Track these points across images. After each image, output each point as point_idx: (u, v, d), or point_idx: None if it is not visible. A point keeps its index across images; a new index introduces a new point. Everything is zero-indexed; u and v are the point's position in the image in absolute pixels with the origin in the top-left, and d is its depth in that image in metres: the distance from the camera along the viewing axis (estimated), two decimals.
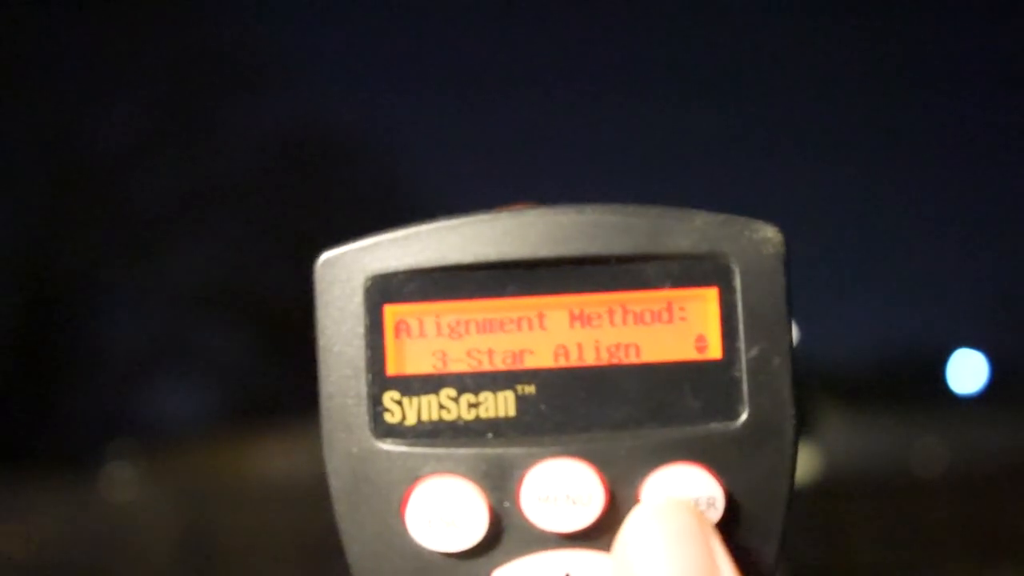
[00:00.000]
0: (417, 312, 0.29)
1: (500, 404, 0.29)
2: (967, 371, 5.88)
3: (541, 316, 0.29)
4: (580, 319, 0.29)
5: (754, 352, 0.29)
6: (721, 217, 0.29)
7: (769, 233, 0.29)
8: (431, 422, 0.29)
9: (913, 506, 3.41)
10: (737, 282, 0.29)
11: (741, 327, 0.29)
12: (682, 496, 0.28)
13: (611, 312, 0.29)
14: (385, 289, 0.29)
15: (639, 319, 0.29)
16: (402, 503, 0.29)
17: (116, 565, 3.47)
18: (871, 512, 3.34)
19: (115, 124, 5.92)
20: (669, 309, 0.29)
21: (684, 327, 0.29)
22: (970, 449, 4.10)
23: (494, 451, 0.29)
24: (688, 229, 0.29)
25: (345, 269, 0.29)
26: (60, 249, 5.63)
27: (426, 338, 0.29)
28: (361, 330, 0.29)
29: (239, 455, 4.78)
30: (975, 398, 5.87)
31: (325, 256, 0.29)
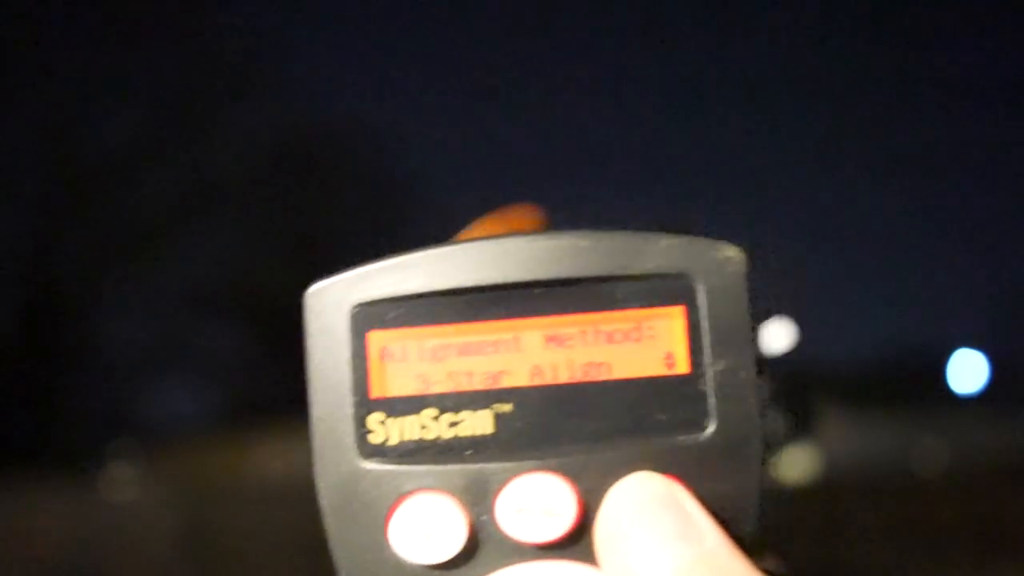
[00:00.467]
0: (399, 337, 0.30)
1: (479, 422, 0.30)
2: (967, 371, 5.88)
3: (517, 338, 0.31)
4: (554, 340, 0.31)
5: (720, 366, 0.30)
6: (685, 239, 0.30)
7: (731, 252, 0.30)
8: (413, 441, 0.30)
9: (913, 506, 3.41)
10: (702, 300, 0.30)
11: (707, 343, 0.30)
12: (649, 472, 0.29)
13: (583, 332, 0.30)
14: (369, 316, 0.30)
15: (610, 338, 0.30)
16: (386, 519, 0.30)
17: (116, 565, 3.47)
18: (871, 512, 3.34)
19: (115, 125, 5.92)
20: (638, 328, 0.30)
21: (653, 344, 0.30)
22: (970, 449, 4.10)
23: (473, 467, 0.30)
24: (654, 251, 0.30)
25: (332, 298, 0.31)
26: (60, 249, 5.63)
27: (408, 362, 0.30)
28: (347, 355, 0.30)
29: (239, 455, 4.78)
30: (975, 398, 5.87)
31: (314, 287, 0.31)
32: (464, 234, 0.46)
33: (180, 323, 6.18)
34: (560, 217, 0.42)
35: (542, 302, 0.30)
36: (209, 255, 6.03)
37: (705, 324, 0.30)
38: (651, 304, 0.30)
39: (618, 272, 0.30)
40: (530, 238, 0.31)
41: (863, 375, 6.11)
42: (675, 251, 0.30)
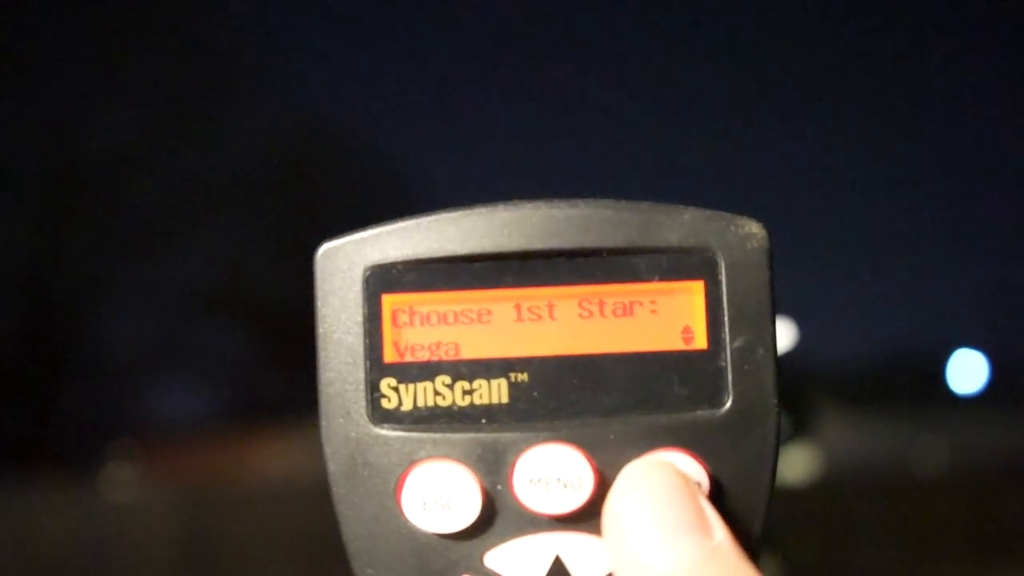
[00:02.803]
0: (414, 301, 0.30)
1: (494, 391, 0.30)
2: (967, 371, 5.87)
3: (534, 306, 0.30)
4: (572, 310, 0.30)
5: (738, 343, 0.30)
6: (707, 213, 0.30)
7: (754, 228, 0.31)
8: (427, 408, 0.30)
9: (913, 506, 3.41)
10: (722, 275, 0.30)
11: (726, 319, 0.30)
12: (663, 457, 0.29)
13: (602, 303, 0.30)
14: (383, 279, 0.30)
15: (628, 310, 0.30)
16: (398, 486, 0.29)
17: (116, 565, 3.46)
18: (871, 512, 3.34)
19: (114, 125, 5.92)
20: (657, 301, 0.30)
21: (671, 318, 0.30)
22: (970, 449, 4.10)
23: (488, 436, 0.29)
24: (676, 224, 0.30)
25: (345, 259, 0.30)
26: (60, 249, 5.63)
27: (423, 327, 0.30)
28: (360, 318, 0.30)
29: (239, 455, 4.77)
30: (975, 398, 5.87)
31: (325, 246, 0.31)
32: None
33: (180, 323, 6.18)
34: None
35: (561, 271, 0.30)
36: (209, 255, 6.03)
37: (725, 300, 0.30)
38: (671, 278, 0.30)
39: (639, 244, 0.30)
40: (551, 205, 0.30)
41: (863, 375, 6.10)
42: (697, 224, 0.30)
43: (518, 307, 0.30)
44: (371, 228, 0.31)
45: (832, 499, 3.08)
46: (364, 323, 0.30)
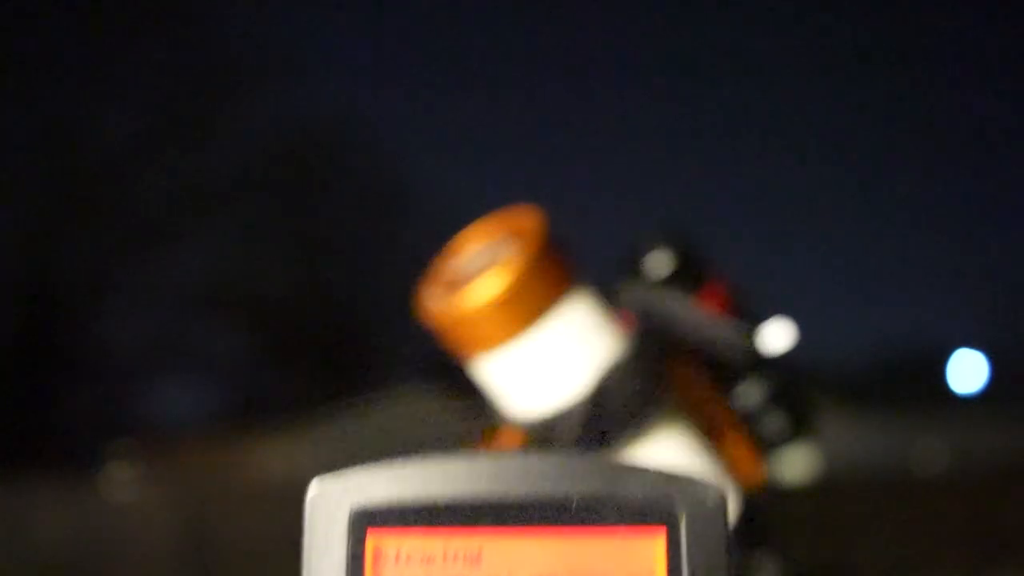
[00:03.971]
0: (396, 542, 0.32)
1: None
2: (967, 371, 5.88)
3: (509, 548, 0.32)
4: (545, 552, 0.32)
5: None
6: (669, 473, 0.32)
7: (711, 491, 0.32)
8: None
9: (913, 506, 3.42)
10: (683, 528, 0.32)
11: (684, 568, 0.31)
12: None
13: (571, 546, 0.32)
14: (368, 520, 0.31)
15: (595, 554, 0.32)
16: None
17: (116, 565, 3.47)
18: (871, 512, 3.34)
19: (115, 124, 5.93)
20: (622, 546, 0.32)
21: (635, 564, 0.32)
22: (970, 449, 4.11)
23: None
24: (641, 479, 0.32)
25: (332, 499, 0.32)
26: (60, 250, 5.63)
27: (404, 565, 0.31)
28: (343, 557, 0.31)
29: (239, 455, 4.78)
30: (975, 398, 5.87)
31: (314, 485, 0.32)
32: (463, 235, 0.46)
33: (180, 323, 6.19)
34: (559, 217, 0.42)
35: (535, 515, 0.32)
36: (209, 255, 6.03)
37: (684, 550, 0.31)
38: (635, 523, 0.32)
39: (606, 493, 0.32)
40: (527, 457, 0.33)
41: (863, 375, 6.11)
42: (660, 481, 0.32)
43: (495, 548, 0.32)
44: (358, 470, 0.32)
45: (832, 499, 3.09)
46: (347, 562, 0.31)
